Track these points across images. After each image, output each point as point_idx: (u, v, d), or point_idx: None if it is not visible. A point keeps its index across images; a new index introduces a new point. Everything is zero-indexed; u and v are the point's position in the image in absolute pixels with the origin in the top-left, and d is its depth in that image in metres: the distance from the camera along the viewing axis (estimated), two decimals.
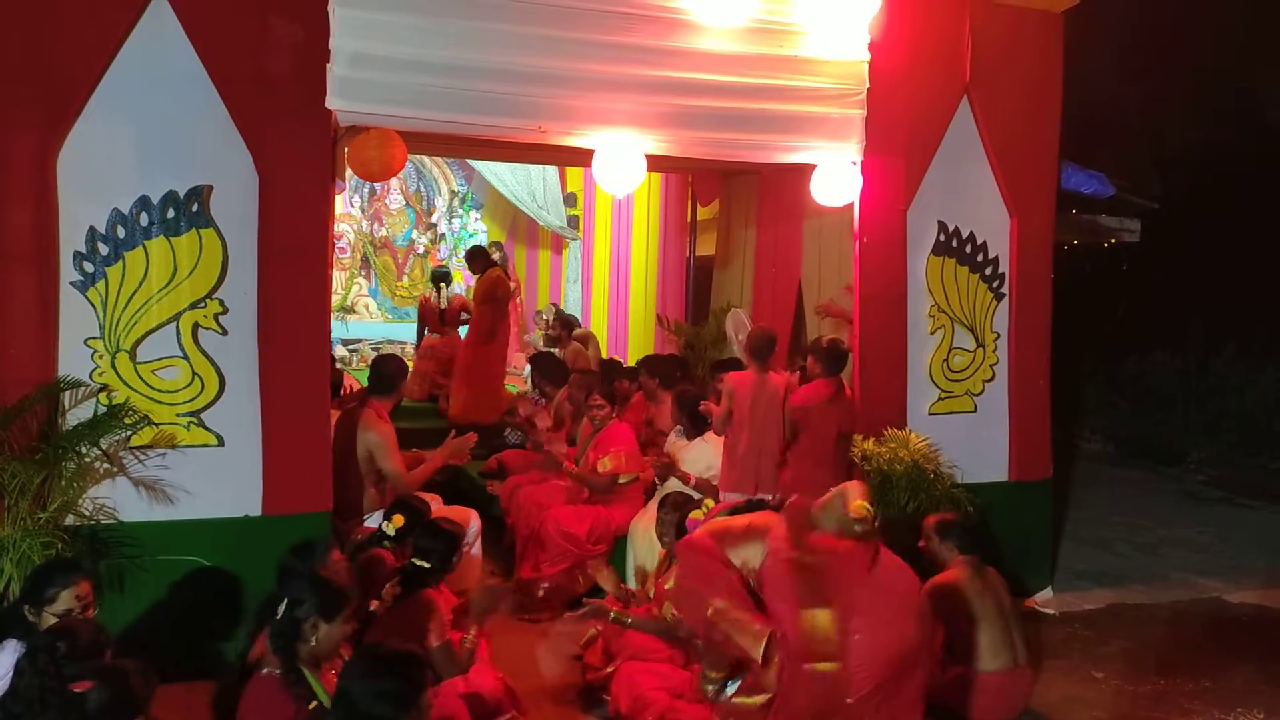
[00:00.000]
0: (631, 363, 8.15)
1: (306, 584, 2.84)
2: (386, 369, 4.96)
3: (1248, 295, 10.74)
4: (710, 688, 3.04)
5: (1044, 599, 5.49)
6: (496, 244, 10.85)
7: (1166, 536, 7.13)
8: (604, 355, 8.84)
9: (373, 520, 4.50)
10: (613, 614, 3.85)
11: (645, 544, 4.81)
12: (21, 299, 3.84)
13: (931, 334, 5.31)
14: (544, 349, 8.91)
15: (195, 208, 4.02)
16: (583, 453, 5.55)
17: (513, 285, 9.76)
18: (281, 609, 2.76)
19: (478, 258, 8.53)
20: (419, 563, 3.60)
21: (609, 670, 3.88)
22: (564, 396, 6.38)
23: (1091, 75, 10.81)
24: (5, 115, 3.80)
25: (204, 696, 3.47)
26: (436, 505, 4.96)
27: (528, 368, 8.25)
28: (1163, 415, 10.65)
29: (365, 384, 6.37)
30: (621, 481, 5.28)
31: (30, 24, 3.78)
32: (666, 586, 3.91)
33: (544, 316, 10.05)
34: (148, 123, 3.96)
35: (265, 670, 2.77)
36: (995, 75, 5.24)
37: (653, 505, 4.96)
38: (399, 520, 3.88)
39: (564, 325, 8.60)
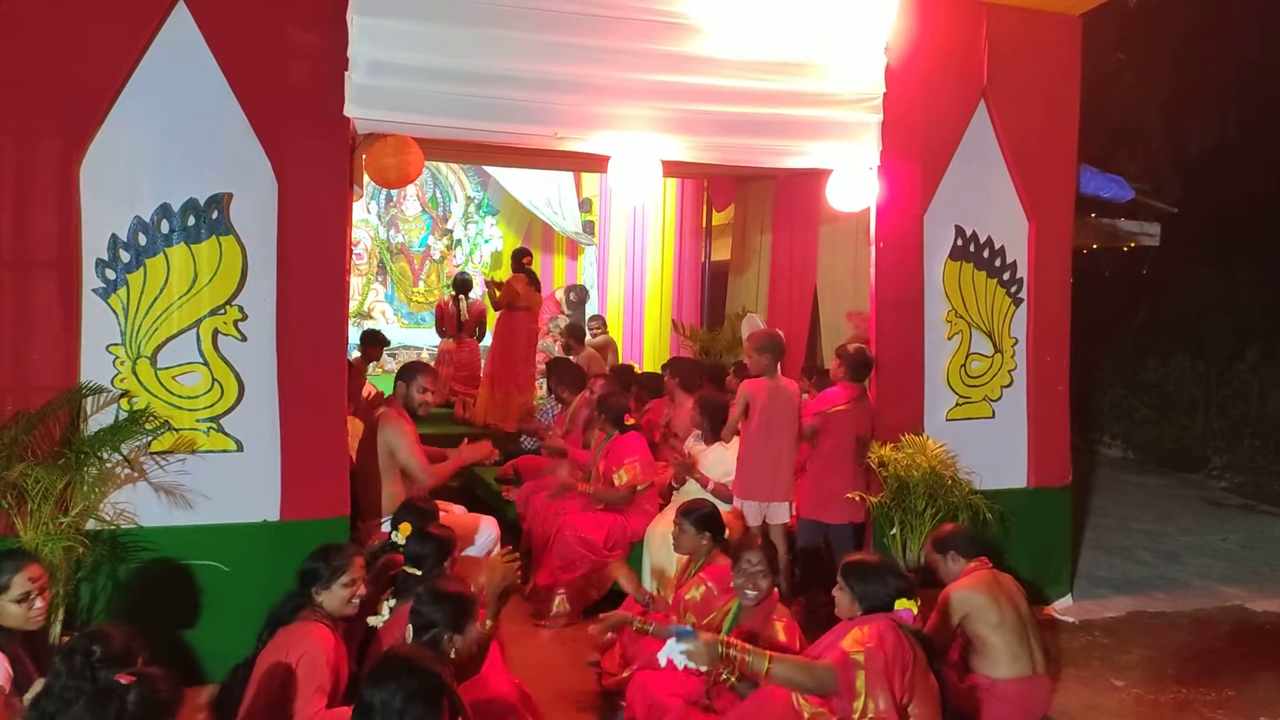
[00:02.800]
0: (647, 368, 8.17)
1: (431, 604, 2.95)
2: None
3: (1271, 300, 10.62)
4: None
5: (1063, 606, 5.44)
6: (579, 288, 10.89)
7: (1188, 543, 7.05)
8: (620, 360, 8.86)
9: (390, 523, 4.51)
10: (636, 623, 3.84)
11: (663, 549, 4.79)
12: (44, 305, 3.90)
13: (949, 339, 5.28)
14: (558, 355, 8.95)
15: (215, 215, 4.06)
16: (594, 460, 5.55)
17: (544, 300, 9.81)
18: (409, 634, 2.89)
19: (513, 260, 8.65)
20: (410, 570, 3.61)
21: (624, 675, 3.88)
22: (581, 402, 6.39)
23: (1111, 78, 10.75)
24: (29, 124, 3.85)
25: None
26: (460, 512, 4.98)
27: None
28: (1184, 421, 10.53)
29: (380, 390, 6.42)
30: (638, 490, 5.28)
31: (53, 34, 3.83)
32: (687, 596, 3.90)
33: (557, 325, 10.07)
34: (169, 131, 4.01)
35: None
36: (1012, 79, 5.22)
37: (670, 510, 4.95)
38: (406, 528, 3.88)
39: (571, 334, 8.62)
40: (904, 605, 3.08)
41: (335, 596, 3.22)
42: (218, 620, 4.06)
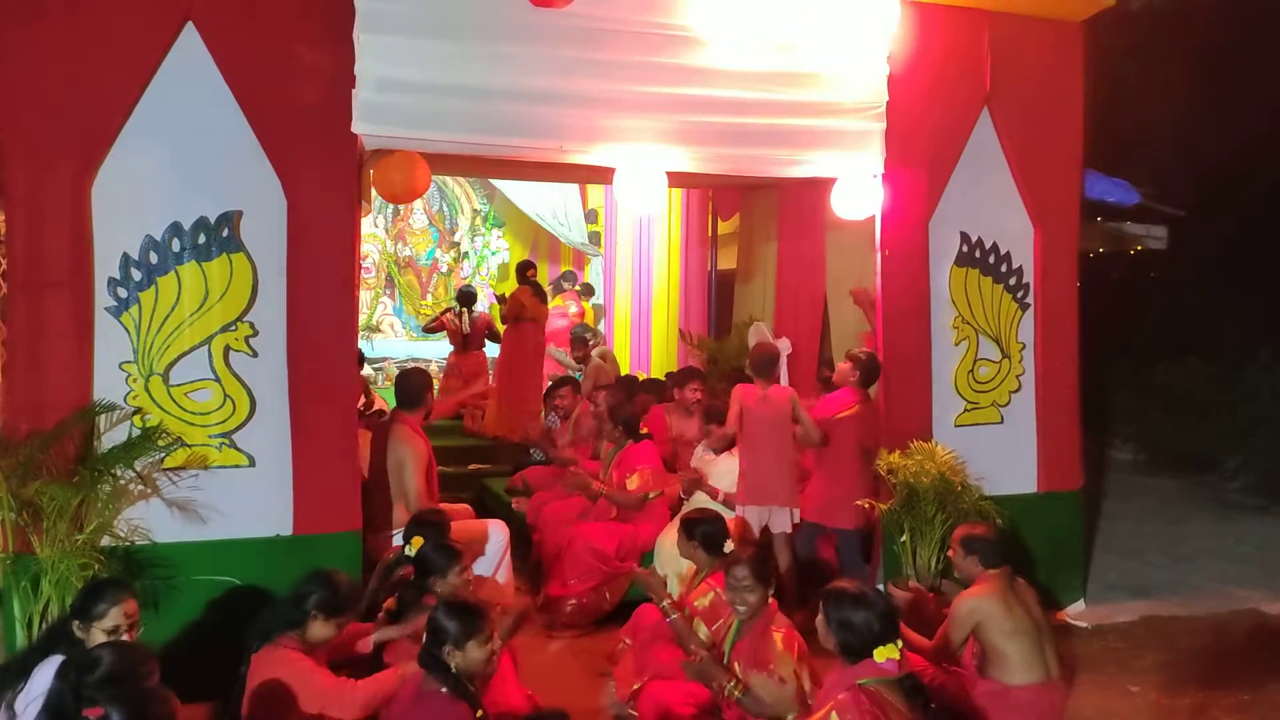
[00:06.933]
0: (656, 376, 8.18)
1: (444, 615, 3.00)
2: (411, 384, 4.94)
3: None
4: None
5: (1076, 612, 5.42)
6: (569, 273, 10.92)
7: (1202, 546, 7.00)
8: (624, 372, 8.87)
9: (401, 536, 4.53)
10: (665, 603, 3.82)
11: (673, 559, 4.80)
12: (58, 324, 3.93)
13: (956, 345, 5.28)
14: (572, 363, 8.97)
15: (226, 233, 4.10)
16: (606, 470, 5.56)
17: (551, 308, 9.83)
18: (425, 647, 2.95)
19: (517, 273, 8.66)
20: (418, 576, 3.64)
21: (636, 686, 3.88)
22: (584, 412, 6.41)
23: (1116, 83, 10.74)
24: (42, 146, 3.90)
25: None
26: (467, 515, 5.00)
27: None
28: (1196, 422, 10.46)
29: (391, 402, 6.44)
30: (649, 498, 5.29)
31: (64, 56, 3.88)
32: (696, 603, 3.90)
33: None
34: (179, 150, 4.05)
35: (431, 689, 2.94)
36: (1016, 86, 5.23)
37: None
38: (418, 542, 3.90)
39: (582, 342, 8.63)
40: (884, 655, 2.74)
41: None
42: (231, 635, 4.07)
